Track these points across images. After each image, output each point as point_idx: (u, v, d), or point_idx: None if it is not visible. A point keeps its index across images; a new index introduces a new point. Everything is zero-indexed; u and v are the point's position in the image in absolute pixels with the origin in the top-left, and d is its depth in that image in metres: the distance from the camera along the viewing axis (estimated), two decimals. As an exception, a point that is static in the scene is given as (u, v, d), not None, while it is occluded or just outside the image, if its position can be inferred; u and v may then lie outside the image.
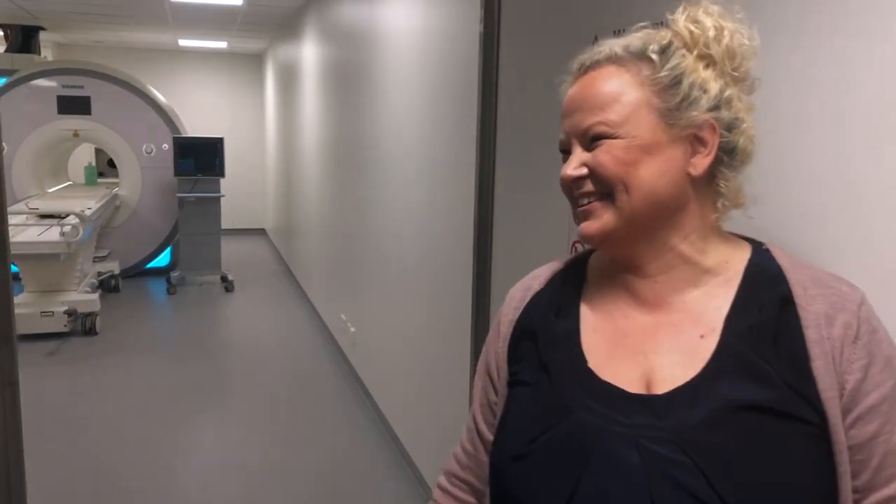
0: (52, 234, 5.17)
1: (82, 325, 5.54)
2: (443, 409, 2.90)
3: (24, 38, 7.73)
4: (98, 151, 8.50)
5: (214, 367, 5.03)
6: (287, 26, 7.48)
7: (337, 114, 5.08)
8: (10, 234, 5.23)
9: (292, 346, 5.51)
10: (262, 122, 10.45)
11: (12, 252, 5.12)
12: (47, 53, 8.90)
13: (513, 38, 2.05)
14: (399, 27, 3.49)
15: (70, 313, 5.40)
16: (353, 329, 4.67)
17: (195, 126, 9.15)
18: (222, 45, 9.36)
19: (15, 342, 1.85)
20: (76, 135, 7.18)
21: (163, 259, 7.68)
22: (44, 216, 5.73)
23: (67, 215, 5.50)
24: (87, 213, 5.61)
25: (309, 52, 6.28)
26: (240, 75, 10.43)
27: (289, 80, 7.65)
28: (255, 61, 10.44)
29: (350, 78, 4.60)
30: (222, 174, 7.18)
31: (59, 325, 5.36)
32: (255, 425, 4.04)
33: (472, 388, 1.08)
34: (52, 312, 5.36)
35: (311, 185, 6.37)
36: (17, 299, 5.45)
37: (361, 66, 4.26)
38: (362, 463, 3.59)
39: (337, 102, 5.08)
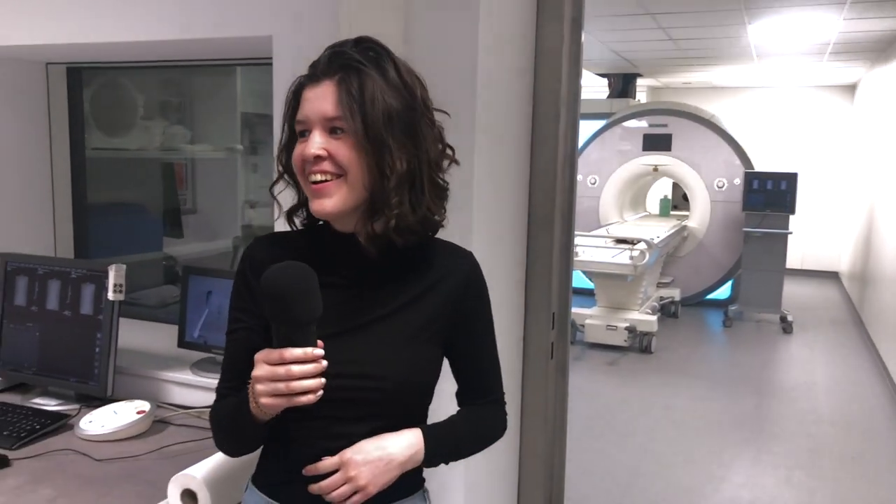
0: (623, 257, 5.76)
1: (640, 343, 6.02)
2: None
3: (624, 85, 8.79)
4: (675, 185, 9.07)
5: (757, 406, 4.88)
6: (888, 51, 6.75)
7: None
8: (590, 255, 5.97)
9: (849, 405, 4.95)
10: (846, 157, 9.63)
11: (590, 270, 5.92)
12: (641, 97, 9.89)
13: None
14: None
15: (630, 330, 5.92)
16: (927, 395, 3.97)
17: (772, 160, 8.98)
18: (809, 78, 8.97)
19: (568, 337, 2.18)
20: (655, 169, 7.82)
21: (723, 292, 7.76)
22: (619, 241, 6.41)
23: (638, 241, 6.04)
24: (655, 240, 6.06)
25: (908, 78, 5.56)
26: (827, 107, 9.80)
27: (881, 110, 6.89)
28: (846, 92, 9.68)
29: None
30: (792, 211, 6.90)
31: (620, 339, 5.93)
32: (792, 477, 3.78)
33: None
34: (616, 327, 5.96)
35: (894, 227, 5.62)
36: (589, 311, 6.23)
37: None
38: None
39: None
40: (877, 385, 5.24)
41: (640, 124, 7.86)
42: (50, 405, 1.98)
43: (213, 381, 1.99)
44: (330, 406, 1.07)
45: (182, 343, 2.07)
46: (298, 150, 1.09)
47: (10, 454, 1.67)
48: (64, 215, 2.64)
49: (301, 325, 1.01)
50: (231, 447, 1.20)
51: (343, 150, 1.06)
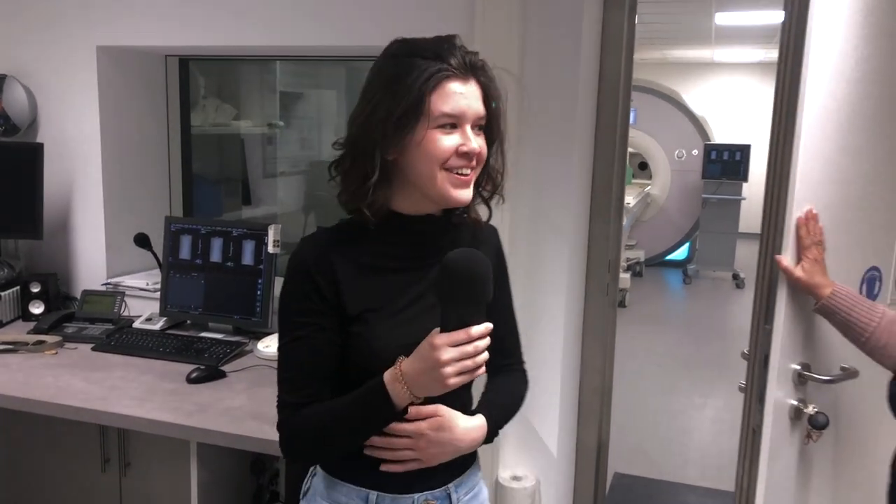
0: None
1: (615, 298, 6.72)
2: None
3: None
4: (631, 155, 9.78)
5: (722, 347, 5.64)
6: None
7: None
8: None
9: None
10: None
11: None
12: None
13: None
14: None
15: (608, 286, 6.61)
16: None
17: (724, 132, 9.75)
18: (757, 56, 9.76)
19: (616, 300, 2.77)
20: (621, 141, 8.49)
21: (681, 253, 8.54)
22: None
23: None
24: (629, 205, 6.74)
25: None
26: (771, 83, 10.63)
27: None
28: (787, 70, 10.53)
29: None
30: (745, 179, 7.68)
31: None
32: (760, 400, 4.53)
33: None
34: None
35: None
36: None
37: None
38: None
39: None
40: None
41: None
42: (218, 336, 2.47)
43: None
44: None
45: (318, 287, 2.59)
46: (448, 141, 1.11)
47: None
48: (177, 183, 3.09)
49: (482, 304, 1.07)
50: (342, 448, 1.19)
51: (484, 147, 1.16)
